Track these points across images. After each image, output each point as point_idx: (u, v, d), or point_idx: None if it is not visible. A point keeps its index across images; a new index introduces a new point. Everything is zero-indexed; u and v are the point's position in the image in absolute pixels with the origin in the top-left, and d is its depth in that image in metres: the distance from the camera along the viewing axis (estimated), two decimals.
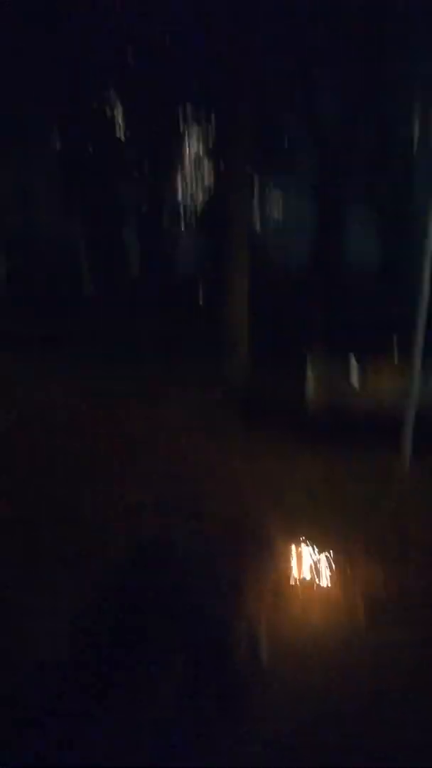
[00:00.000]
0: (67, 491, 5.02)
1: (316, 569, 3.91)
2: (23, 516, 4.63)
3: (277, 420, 7.90)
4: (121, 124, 18.14)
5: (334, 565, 3.99)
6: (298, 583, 3.83)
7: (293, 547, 4.13)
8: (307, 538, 4.39)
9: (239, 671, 2.50)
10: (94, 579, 3.52)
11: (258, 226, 19.66)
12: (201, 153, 19.36)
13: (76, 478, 5.27)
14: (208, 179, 19.63)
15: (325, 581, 3.85)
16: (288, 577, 3.84)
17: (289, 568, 3.89)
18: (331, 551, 4.18)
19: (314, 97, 15.65)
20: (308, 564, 3.96)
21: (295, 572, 3.89)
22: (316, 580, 3.86)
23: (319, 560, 4.03)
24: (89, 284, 19.57)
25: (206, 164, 19.36)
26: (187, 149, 19.56)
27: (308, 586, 3.83)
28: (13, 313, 13.38)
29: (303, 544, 4.23)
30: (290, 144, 17.57)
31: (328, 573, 3.90)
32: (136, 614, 2.40)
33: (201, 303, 16.67)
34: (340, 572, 3.95)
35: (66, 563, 4.08)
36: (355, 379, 6.72)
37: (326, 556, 4.10)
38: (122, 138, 18.48)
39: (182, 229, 22.69)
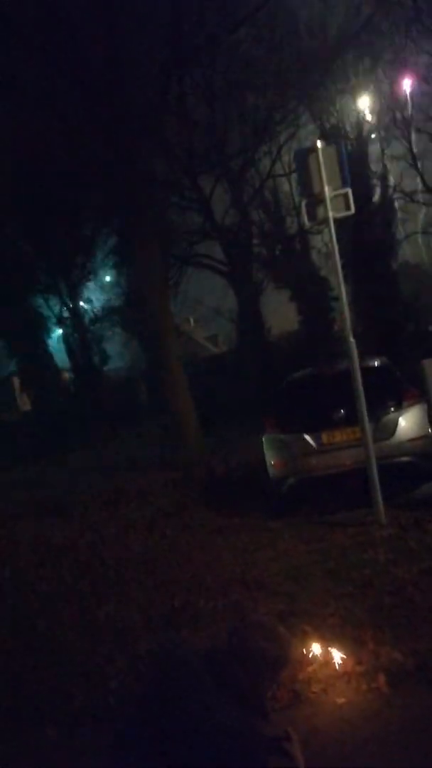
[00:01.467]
0: None
1: (326, 645, 3.59)
2: None
3: (244, 497, 7.62)
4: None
5: (344, 637, 3.68)
6: (313, 662, 3.49)
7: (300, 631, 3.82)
8: (308, 616, 4.09)
9: None
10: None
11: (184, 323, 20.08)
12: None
13: None
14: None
15: (338, 655, 3.52)
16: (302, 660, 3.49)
17: (302, 651, 3.56)
18: (335, 621, 3.90)
19: None
20: (319, 643, 3.63)
21: (309, 651, 3.55)
22: (330, 655, 3.53)
23: (328, 635, 3.72)
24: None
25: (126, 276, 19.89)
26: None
27: (323, 662, 3.49)
28: None
29: (306, 626, 3.92)
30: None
31: (341, 646, 3.58)
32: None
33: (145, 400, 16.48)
34: (352, 642, 3.64)
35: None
36: (311, 448, 6.52)
37: (334, 629, 3.80)
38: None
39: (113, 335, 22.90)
